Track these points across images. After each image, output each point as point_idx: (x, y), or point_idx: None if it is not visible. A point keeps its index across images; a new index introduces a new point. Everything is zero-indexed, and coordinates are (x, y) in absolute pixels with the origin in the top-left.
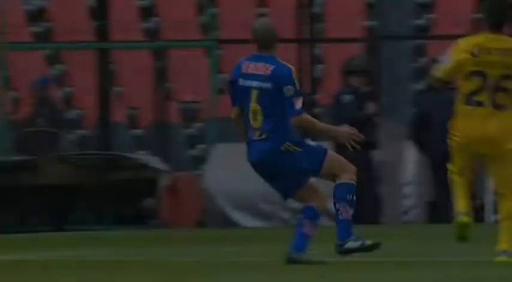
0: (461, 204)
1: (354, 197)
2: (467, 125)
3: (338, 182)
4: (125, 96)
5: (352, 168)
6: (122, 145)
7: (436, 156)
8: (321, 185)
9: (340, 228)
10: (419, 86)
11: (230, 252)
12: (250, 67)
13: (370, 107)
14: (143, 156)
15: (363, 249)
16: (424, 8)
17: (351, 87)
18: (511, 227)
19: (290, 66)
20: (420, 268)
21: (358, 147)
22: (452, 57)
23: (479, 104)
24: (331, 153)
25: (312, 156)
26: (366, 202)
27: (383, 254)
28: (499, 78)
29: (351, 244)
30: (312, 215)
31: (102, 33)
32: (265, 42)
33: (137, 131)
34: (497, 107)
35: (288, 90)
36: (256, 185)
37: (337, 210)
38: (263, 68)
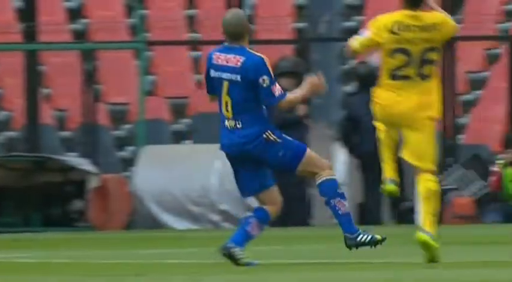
0: (387, 169)
1: (342, 190)
2: (389, 99)
3: (321, 179)
4: (53, 98)
5: (328, 164)
6: (50, 147)
7: (365, 158)
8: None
9: (344, 223)
10: (349, 88)
11: (158, 254)
12: (221, 58)
13: (300, 109)
14: (71, 158)
15: (374, 242)
16: (353, 10)
17: (282, 89)
18: (431, 207)
19: (261, 55)
20: (349, 269)
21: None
22: (371, 33)
23: (406, 77)
24: (310, 151)
25: (291, 152)
26: (296, 204)
27: (313, 256)
28: (423, 52)
29: (362, 237)
30: (263, 217)
31: (30, 34)
32: (235, 34)
33: (65, 133)
34: (423, 77)
35: (264, 80)
36: (184, 186)
37: (333, 207)
38: (234, 60)
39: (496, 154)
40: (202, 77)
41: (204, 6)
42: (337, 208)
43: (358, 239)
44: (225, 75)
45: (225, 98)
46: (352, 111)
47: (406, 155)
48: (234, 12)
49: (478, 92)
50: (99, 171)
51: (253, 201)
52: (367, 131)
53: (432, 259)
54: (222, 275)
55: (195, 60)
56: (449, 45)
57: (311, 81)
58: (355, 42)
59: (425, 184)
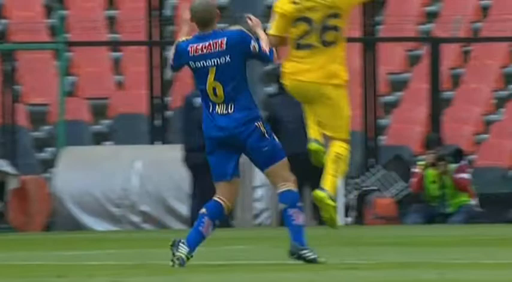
0: (311, 132)
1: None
2: (296, 68)
3: (285, 188)
4: None
5: (294, 178)
6: None
7: (287, 160)
8: None
9: (296, 232)
10: (270, 89)
11: (79, 256)
12: (199, 48)
13: None
14: None
15: (312, 262)
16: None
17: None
18: (333, 169)
19: (236, 27)
20: (271, 271)
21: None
22: (276, 12)
23: (309, 46)
24: (286, 159)
25: (272, 152)
26: None
27: (235, 257)
28: (325, 19)
29: (308, 253)
30: (217, 213)
31: None
32: (206, 20)
33: None
34: (326, 44)
35: (254, 47)
36: (105, 188)
37: (290, 216)
38: (216, 45)
39: (417, 155)
40: (122, 78)
41: (124, 7)
42: (293, 217)
43: (302, 252)
44: (210, 62)
45: (213, 84)
46: (273, 113)
47: (321, 128)
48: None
49: (399, 93)
50: (18, 172)
51: (173, 202)
52: (289, 132)
53: (330, 218)
54: (143, 277)
55: (115, 61)
56: (370, 47)
57: (254, 23)
58: (270, 30)
59: (335, 148)
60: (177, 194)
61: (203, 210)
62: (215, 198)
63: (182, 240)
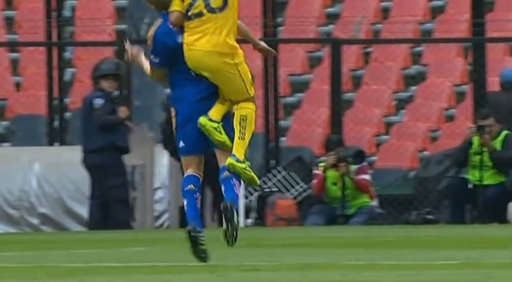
0: (211, 110)
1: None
2: (190, 40)
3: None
4: None
5: None
6: None
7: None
8: None
9: (230, 194)
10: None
11: None
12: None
13: (122, 111)
14: None
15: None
16: None
17: (102, 91)
18: (241, 133)
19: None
20: (171, 272)
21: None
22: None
23: (198, 15)
24: None
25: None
26: (118, 207)
27: (135, 259)
28: None
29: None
30: (200, 188)
31: None
32: (163, 4)
33: None
34: (213, 11)
35: None
36: (3, 190)
37: (233, 184)
38: None
39: (318, 157)
40: (20, 79)
41: (22, 7)
42: (235, 186)
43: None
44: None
45: None
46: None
47: (225, 95)
48: None
49: (300, 94)
50: None
51: (72, 204)
52: None
53: (249, 180)
54: (44, 280)
55: (14, 62)
56: (271, 48)
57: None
58: (172, 7)
59: (238, 111)
60: (75, 196)
61: (191, 186)
62: (193, 173)
63: (195, 231)
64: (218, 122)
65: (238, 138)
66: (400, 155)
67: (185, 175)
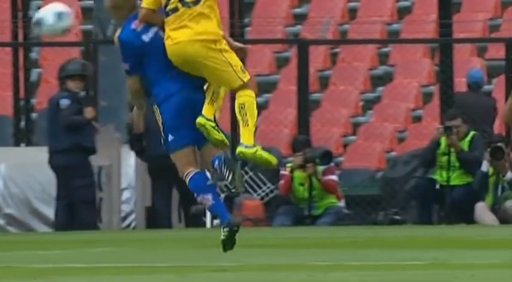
0: (204, 108)
1: None
2: (169, 36)
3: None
4: None
5: None
6: None
7: (153, 162)
8: None
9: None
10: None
11: None
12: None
13: (88, 112)
14: None
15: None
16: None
17: (69, 91)
18: (244, 121)
19: None
20: (138, 273)
21: None
22: None
23: (174, 10)
24: None
25: None
26: (85, 208)
27: (101, 260)
28: None
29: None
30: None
31: None
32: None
33: None
34: (188, 5)
35: None
36: None
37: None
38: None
39: (286, 157)
40: None
41: None
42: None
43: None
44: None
45: None
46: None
47: (218, 85)
48: None
49: (267, 95)
50: None
51: (39, 205)
52: (155, 134)
53: (266, 164)
54: (10, 281)
55: None
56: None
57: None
58: (143, 3)
59: (237, 101)
60: (42, 196)
61: (211, 181)
62: (199, 170)
63: (238, 225)
64: (214, 121)
65: (243, 125)
66: (368, 156)
67: (193, 173)
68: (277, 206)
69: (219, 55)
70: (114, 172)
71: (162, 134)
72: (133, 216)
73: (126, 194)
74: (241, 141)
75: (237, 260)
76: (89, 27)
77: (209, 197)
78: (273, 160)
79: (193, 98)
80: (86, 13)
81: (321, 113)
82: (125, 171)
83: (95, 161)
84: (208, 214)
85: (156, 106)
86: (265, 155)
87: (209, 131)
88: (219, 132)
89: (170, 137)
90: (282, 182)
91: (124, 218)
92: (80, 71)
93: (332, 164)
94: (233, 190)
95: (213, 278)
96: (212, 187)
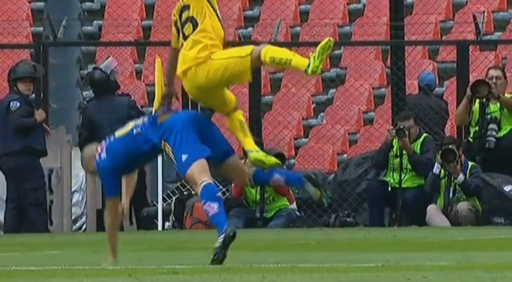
0: (244, 143)
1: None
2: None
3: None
4: None
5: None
6: None
7: None
8: None
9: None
10: (87, 93)
11: None
12: None
13: (38, 114)
14: None
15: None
16: (91, 15)
17: (19, 93)
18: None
19: None
20: (89, 276)
21: None
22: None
23: (182, 45)
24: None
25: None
26: (35, 210)
27: (52, 263)
28: (183, 15)
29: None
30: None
31: None
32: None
33: None
34: (186, 37)
35: None
36: None
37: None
38: None
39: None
40: None
41: None
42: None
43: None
44: None
45: None
46: (90, 117)
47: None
48: None
49: None
50: None
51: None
52: (104, 136)
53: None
54: None
55: None
56: None
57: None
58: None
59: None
60: None
61: (220, 194)
62: (211, 181)
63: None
64: (260, 146)
65: (245, 136)
66: (319, 158)
67: (206, 182)
68: (229, 208)
69: (214, 64)
70: (64, 174)
71: (175, 161)
72: (84, 218)
73: (76, 197)
74: (250, 148)
75: (188, 262)
76: (40, 29)
77: (215, 205)
78: (277, 161)
79: (197, 114)
80: (37, 15)
81: (272, 116)
82: (76, 173)
83: (45, 163)
84: (160, 217)
85: (163, 141)
86: (272, 157)
87: (265, 160)
88: (270, 156)
89: (184, 156)
90: (233, 184)
91: (75, 221)
92: (30, 73)
93: (284, 167)
94: (324, 203)
95: (164, 280)
96: (219, 199)
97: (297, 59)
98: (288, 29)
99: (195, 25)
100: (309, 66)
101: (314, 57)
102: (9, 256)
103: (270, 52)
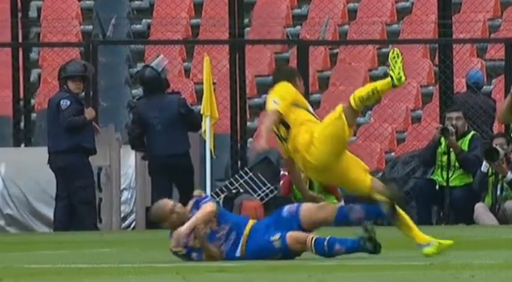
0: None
1: None
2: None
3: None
4: None
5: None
6: None
7: (154, 162)
8: None
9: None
10: (137, 91)
11: None
12: None
13: (88, 112)
14: None
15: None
16: (140, 13)
17: (69, 92)
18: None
19: None
20: (138, 274)
21: None
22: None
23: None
24: None
25: None
26: (84, 208)
27: (101, 260)
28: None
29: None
30: None
31: None
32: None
33: None
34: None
35: None
36: None
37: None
38: None
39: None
40: None
41: None
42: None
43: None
44: None
45: None
46: (140, 115)
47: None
48: None
49: (266, 95)
50: None
51: (38, 205)
52: (155, 134)
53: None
54: (9, 280)
55: None
56: (238, 49)
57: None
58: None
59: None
60: (41, 197)
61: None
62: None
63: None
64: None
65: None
66: (367, 156)
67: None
68: (277, 206)
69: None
70: (113, 172)
71: None
72: (133, 216)
73: (125, 194)
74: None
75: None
76: (89, 27)
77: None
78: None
79: None
80: (86, 13)
81: (320, 114)
82: (125, 171)
83: (95, 161)
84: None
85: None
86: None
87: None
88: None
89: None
90: (282, 182)
91: (124, 219)
92: (81, 72)
93: None
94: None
95: (210, 278)
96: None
97: (379, 83)
98: (336, 27)
99: (287, 126)
100: (392, 79)
101: (391, 70)
102: (58, 254)
103: (357, 96)
